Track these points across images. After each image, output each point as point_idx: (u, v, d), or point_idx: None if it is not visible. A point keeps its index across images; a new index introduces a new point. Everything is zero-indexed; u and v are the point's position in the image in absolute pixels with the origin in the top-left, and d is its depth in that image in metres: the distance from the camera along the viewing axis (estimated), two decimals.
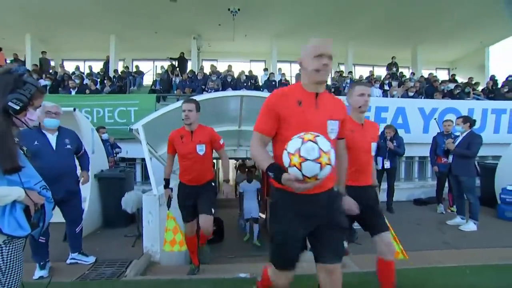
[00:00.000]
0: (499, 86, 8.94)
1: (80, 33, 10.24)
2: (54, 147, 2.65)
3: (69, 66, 10.32)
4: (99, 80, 8.83)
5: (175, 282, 2.54)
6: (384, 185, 5.29)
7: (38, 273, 2.64)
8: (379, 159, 5.11)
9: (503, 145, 5.57)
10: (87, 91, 7.10)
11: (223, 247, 5.57)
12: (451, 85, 8.38)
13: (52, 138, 2.67)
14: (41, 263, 2.66)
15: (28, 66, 9.85)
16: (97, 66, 10.62)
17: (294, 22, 9.92)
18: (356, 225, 3.92)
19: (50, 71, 8.56)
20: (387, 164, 5.02)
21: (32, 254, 2.64)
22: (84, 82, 7.57)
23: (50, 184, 2.54)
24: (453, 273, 2.69)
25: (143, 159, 5.97)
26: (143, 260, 3.02)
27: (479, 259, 3.01)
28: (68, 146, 2.75)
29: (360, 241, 3.62)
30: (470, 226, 4.05)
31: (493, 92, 8.40)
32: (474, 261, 2.95)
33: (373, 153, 2.18)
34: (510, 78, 9.03)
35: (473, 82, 9.17)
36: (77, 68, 9.66)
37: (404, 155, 6.44)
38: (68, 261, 2.96)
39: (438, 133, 5.03)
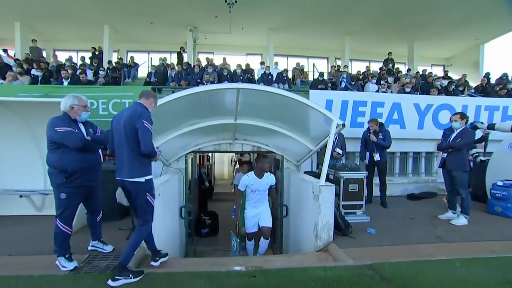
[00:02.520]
0: (493, 83, 9.04)
1: (73, 22, 10.00)
2: (87, 137, 2.76)
3: (62, 57, 10.07)
4: (93, 71, 8.65)
5: (170, 275, 2.53)
6: (376, 180, 5.36)
7: (70, 264, 2.60)
8: (368, 154, 5.20)
9: (495, 142, 5.64)
10: (83, 78, 6.93)
11: (218, 240, 5.60)
12: (445, 82, 8.44)
13: (83, 129, 2.76)
14: (67, 256, 2.64)
15: (18, 55, 9.61)
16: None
17: (291, 16, 9.83)
18: (351, 219, 4.00)
19: (41, 61, 8.31)
20: (377, 157, 5.08)
21: (56, 248, 2.62)
22: (77, 73, 7.40)
23: (92, 171, 2.71)
24: (443, 266, 2.75)
25: None
26: (137, 253, 2.99)
27: (469, 252, 3.07)
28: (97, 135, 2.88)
29: (354, 234, 3.67)
30: (461, 220, 4.12)
31: (486, 90, 8.47)
32: (464, 254, 3.02)
33: None
34: (504, 77, 9.14)
35: (466, 79, 9.24)
36: (70, 59, 9.43)
37: (399, 151, 6.52)
38: (89, 248, 3.08)
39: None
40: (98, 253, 3.00)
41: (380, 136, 5.07)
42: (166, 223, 3.62)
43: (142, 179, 2.46)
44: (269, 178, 3.72)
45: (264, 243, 3.79)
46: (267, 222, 3.73)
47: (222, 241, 5.45)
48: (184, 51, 10.53)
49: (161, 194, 3.38)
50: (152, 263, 2.79)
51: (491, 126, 4.62)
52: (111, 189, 3.76)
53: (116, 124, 2.46)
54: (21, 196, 4.19)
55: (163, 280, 2.44)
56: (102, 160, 3.00)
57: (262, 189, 3.69)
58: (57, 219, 2.60)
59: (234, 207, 3.87)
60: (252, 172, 3.67)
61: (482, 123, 4.71)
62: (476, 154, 4.85)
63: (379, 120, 5.34)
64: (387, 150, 5.28)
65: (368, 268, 2.66)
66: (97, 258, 2.89)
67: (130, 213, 3.87)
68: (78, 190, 2.65)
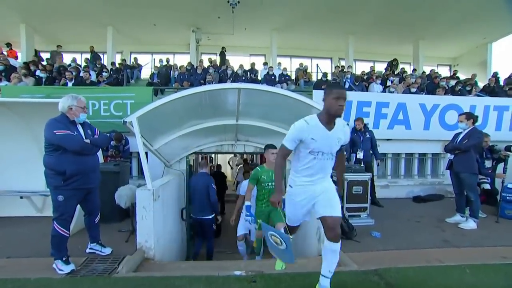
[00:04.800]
0: (501, 83, 8.82)
1: (77, 24, 10.06)
2: (86, 140, 2.70)
3: (66, 59, 10.14)
4: (96, 72, 8.68)
5: (168, 279, 2.47)
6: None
7: (67, 267, 2.57)
8: (353, 155, 5.20)
9: (505, 143, 5.47)
10: (88, 80, 6.96)
11: (221, 242, 5.52)
12: (452, 82, 8.26)
13: (81, 131, 2.71)
14: (64, 259, 2.60)
15: (23, 57, 9.70)
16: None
17: (294, 16, 9.76)
18: (355, 222, 3.90)
19: (44, 62, 8.36)
20: (360, 155, 5.08)
21: (53, 250, 2.59)
22: (81, 74, 7.43)
23: (90, 173, 2.71)
24: (453, 272, 2.63)
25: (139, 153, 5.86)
26: (136, 256, 2.95)
27: (479, 258, 2.95)
28: (95, 137, 2.83)
29: (358, 238, 3.57)
30: (470, 224, 3.99)
31: (494, 90, 8.25)
32: (474, 260, 2.90)
33: None
34: None
35: (475, 80, 9.05)
36: (74, 60, 9.48)
37: (404, 152, 6.39)
38: (88, 251, 3.04)
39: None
40: (96, 256, 2.96)
41: (367, 136, 5.17)
42: (167, 225, 3.57)
43: (211, 216, 4.13)
44: (344, 131, 2.02)
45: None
46: (335, 209, 2.02)
47: (225, 243, 5.37)
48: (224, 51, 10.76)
49: (161, 196, 3.33)
50: None
51: None
52: (111, 190, 3.73)
53: (195, 186, 4.11)
54: (21, 197, 4.18)
55: (161, 284, 2.38)
56: (99, 162, 2.95)
57: (328, 151, 1.97)
58: (55, 221, 2.56)
59: (248, 203, 3.28)
60: (315, 116, 1.97)
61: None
62: (482, 180, 4.75)
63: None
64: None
65: (373, 273, 2.56)
66: (95, 261, 2.84)
67: (129, 215, 3.82)
68: (75, 193, 2.61)
